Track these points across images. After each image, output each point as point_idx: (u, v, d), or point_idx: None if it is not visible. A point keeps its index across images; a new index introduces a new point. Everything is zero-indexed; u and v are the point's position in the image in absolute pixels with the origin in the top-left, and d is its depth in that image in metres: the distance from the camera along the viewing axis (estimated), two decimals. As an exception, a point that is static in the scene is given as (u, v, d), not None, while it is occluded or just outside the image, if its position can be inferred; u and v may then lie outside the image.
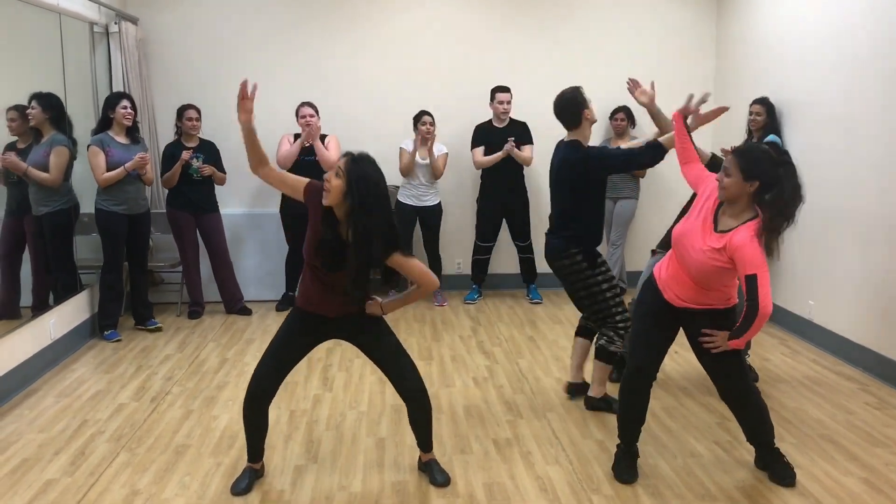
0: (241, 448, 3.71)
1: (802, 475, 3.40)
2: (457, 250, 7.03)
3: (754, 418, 3.35)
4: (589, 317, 4.17)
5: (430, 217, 6.46)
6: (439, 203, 6.51)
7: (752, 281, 3.02)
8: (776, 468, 3.38)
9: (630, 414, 3.42)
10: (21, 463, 3.58)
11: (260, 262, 6.63)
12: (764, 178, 3.03)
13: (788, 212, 3.04)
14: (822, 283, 5.26)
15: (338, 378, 4.74)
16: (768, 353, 5.17)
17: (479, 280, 6.76)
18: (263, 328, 5.87)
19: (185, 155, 5.87)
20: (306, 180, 3.11)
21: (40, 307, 5.01)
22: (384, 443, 3.77)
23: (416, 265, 3.10)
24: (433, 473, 3.37)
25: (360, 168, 2.92)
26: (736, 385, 3.31)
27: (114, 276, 5.56)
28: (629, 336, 3.54)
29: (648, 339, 3.36)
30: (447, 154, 6.40)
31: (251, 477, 3.34)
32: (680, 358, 4.99)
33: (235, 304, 6.30)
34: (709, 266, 3.10)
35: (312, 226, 3.07)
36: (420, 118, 6.19)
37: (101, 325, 5.58)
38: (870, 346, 4.73)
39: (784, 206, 3.02)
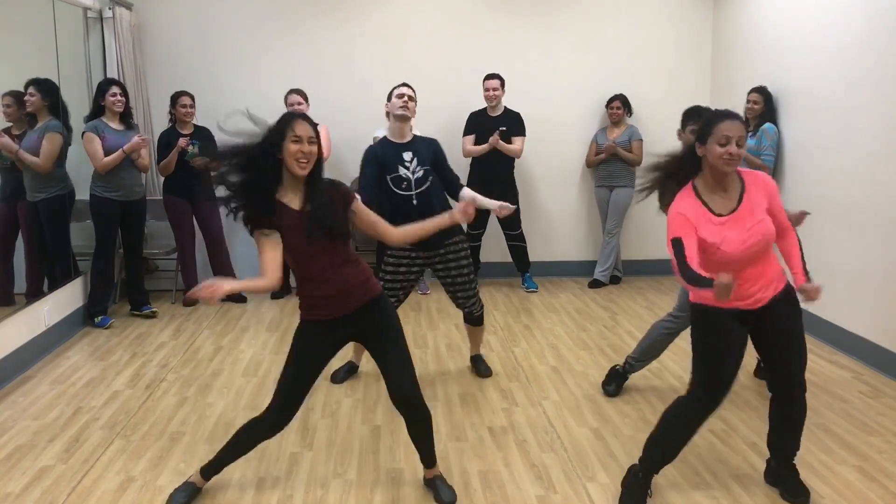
0: (237, 435, 3.71)
1: (797, 463, 3.40)
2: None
3: (800, 428, 3.09)
4: (473, 295, 4.38)
5: None
6: None
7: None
8: (790, 484, 3.11)
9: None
10: (15, 450, 3.57)
11: (254, 250, 6.58)
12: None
13: None
14: (817, 272, 5.25)
15: (333, 366, 4.72)
16: (763, 341, 5.17)
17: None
18: (258, 316, 5.86)
19: (182, 142, 5.86)
20: (274, 256, 2.89)
21: (34, 294, 4.99)
22: (379, 430, 3.77)
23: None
24: (438, 490, 3.12)
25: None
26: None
27: (105, 262, 5.54)
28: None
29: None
30: None
31: (192, 496, 3.10)
32: (678, 349, 4.99)
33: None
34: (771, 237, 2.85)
35: (291, 242, 2.86)
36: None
37: (90, 312, 5.56)
38: (864, 336, 4.73)
39: None
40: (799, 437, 3.09)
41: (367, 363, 4.65)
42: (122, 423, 3.88)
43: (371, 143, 6.02)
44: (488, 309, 6.05)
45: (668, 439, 3.03)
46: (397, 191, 4.14)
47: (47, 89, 5.07)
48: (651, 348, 4.12)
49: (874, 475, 3.31)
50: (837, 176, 5.02)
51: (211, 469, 3.11)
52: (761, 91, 5.59)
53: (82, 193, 5.50)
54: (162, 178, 6.20)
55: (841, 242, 4.98)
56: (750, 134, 5.69)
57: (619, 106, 6.66)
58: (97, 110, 5.42)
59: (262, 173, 2.80)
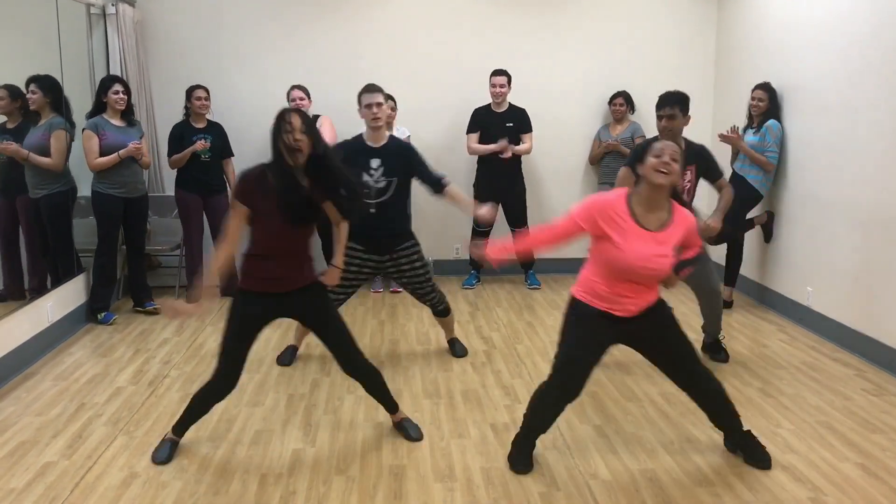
0: (240, 431, 3.72)
1: (800, 461, 3.40)
2: (454, 235, 7.02)
3: (725, 402, 3.35)
4: (430, 292, 4.56)
5: None
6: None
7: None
8: (750, 450, 3.38)
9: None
10: (19, 445, 3.58)
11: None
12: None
13: None
14: (821, 269, 5.25)
15: (335, 362, 4.72)
16: (766, 339, 5.17)
17: (478, 265, 6.75)
18: (261, 312, 5.86)
19: (199, 146, 5.84)
20: (239, 212, 3.22)
21: (38, 290, 5.00)
22: (382, 427, 3.77)
23: None
24: (407, 430, 3.62)
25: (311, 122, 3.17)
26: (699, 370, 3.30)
27: (107, 259, 5.54)
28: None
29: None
30: (409, 137, 6.23)
31: (172, 448, 3.47)
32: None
33: (232, 287, 6.28)
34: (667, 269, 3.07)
35: (262, 210, 3.16)
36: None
37: (92, 308, 5.55)
38: (868, 333, 4.73)
39: None
40: (731, 408, 3.34)
41: (371, 354, 4.65)
42: (126, 419, 3.89)
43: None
44: (491, 306, 6.05)
45: (536, 417, 3.35)
46: None
47: (49, 86, 5.07)
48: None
49: (877, 473, 3.30)
50: (841, 174, 5.00)
51: (180, 427, 3.49)
52: (766, 88, 5.58)
53: (84, 190, 5.51)
54: (169, 173, 6.20)
55: (844, 240, 4.96)
56: (754, 130, 5.68)
57: (622, 103, 6.64)
58: (99, 107, 5.42)
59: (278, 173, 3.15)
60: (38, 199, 5.05)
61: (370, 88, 4.27)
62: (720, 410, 3.36)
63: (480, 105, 6.47)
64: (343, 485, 3.22)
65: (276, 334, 5.28)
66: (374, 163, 4.24)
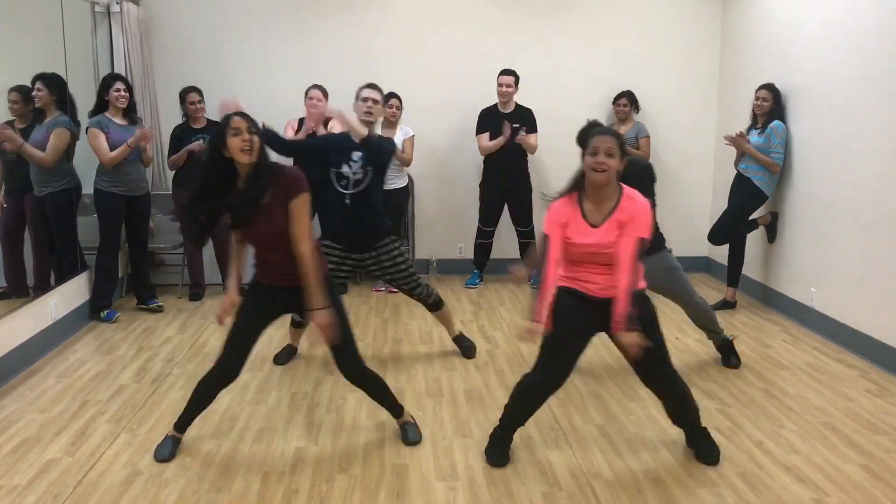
0: (242, 429, 3.72)
1: (803, 462, 3.40)
2: (457, 234, 7.02)
3: (682, 397, 3.38)
4: (416, 287, 4.59)
5: (390, 200, 5.96)
6: (405, 186, 6.38)
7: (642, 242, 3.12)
8: (703, 447, 3.42)
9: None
10: (22, 443, 3.59)
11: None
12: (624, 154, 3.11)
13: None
14: (824, 270, 5.24)
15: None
16: (770, 339, 5.16)
17: (481, 264, 6.74)
18: (264, 311, 5.86)
19: (197, 148, 5.82)
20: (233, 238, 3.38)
21: (41, 287, 5.00)
22: (384, 426, 3.77)
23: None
24: (405, 433, 3.60)
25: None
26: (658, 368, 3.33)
27: (109, 256, 5.55)
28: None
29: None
30: (413, 137, 6.23)
31: (174, 445, 3.48)
32: (681, 344, 4.99)
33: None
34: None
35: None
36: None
37: (95, 306, 5.56)
38: (871, 334, 4.72)
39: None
40: (687, 404, 3.37)
41: (374, 353, 4.65)
42: (129, 416, 3.89)
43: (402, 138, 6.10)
44: (494, 305, 6.04)
45: (516, 408, 3.39)
46: (336, 186, 4.32)
47: (55, 84, 5.08)
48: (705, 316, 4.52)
49: (881, 474, 3.29)
50: (846, 175, 4.99)
51: (182, 422, 3.50)
52: (770, 88, 5.57)
53: (89, 188, 5.51)
54: (170, 172, 6.20)
55: (848, 240, 4.96)
56: (758, 131, 5.67)
57: (626, 103, 6.63)
58: (101, 105, 5.43)
59: (216, 179, 3.16)
60: (43, 196, 5.06)
61: (371, 85, 4.44)
62: (678, 413, 3.42)
63: (487, 106, 6.45)
64: (345, 483, 3.22)
65: (279, 333, 5.29)
66: (356, 155, 4.31)
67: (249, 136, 3.08)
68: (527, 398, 3.36)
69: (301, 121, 5.98)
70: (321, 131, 5.85)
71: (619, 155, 3.06)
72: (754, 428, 3.75)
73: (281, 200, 3.13)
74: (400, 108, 6.19)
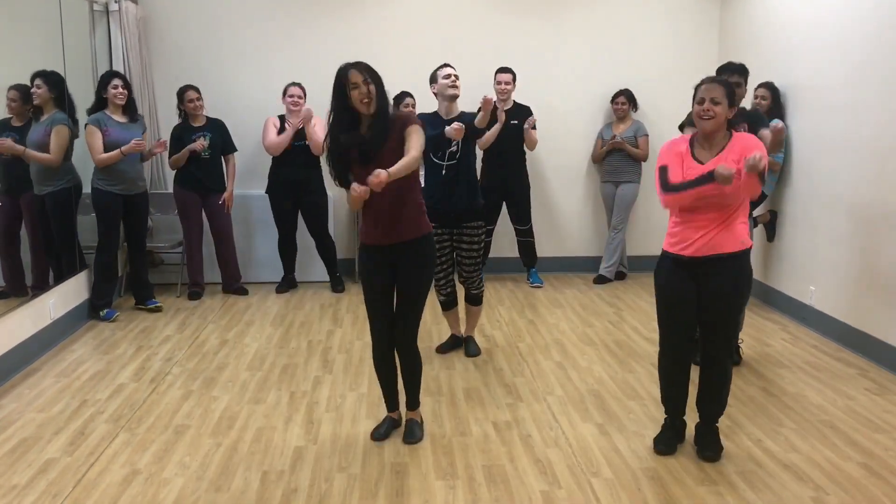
0: (241, 429, 3.72)
1: (802, 460, 3.40)
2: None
3: (720, 390, 3.42)
4: (473, 276, 4.72)
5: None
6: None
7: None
8: (707, 439, 3.44)
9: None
10: (20, 442, 3.58)
11: (259, 244, 6.60)
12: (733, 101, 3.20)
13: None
14: (823, 268, 5.24)
15: (338, 360, 4.74)
16: (769, 338, 5.16)
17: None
18: (263, 310, 5.86)
19: (198, 146, 5.83)
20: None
21: (40, 287, 5.00)
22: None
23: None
24: (410, 430, 3.61)
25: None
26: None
27: (108, 255, 5.54)
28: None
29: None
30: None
31: (389, 425, 3.64)
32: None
33: (232, 284, 6.30)
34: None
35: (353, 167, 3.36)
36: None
37: (95, 306, 5.55)
38: (870, 332, 4.72)
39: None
40: (724, 383, 3.39)
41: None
42: (127, 416, 3.89)
43: None
44: (493, 304, 6.04)
45: (666, 391, 3.50)
46: (434, 158, 4.54)
47: (54, 82, 5.07)
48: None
49: (880, 472, 3.29)
50: (844, 173, 4.99)
51: (390, 403, 3.68)
52: (769, 86, 5.56)
53: (89, 187, 5.50)
54: (171, 171, 6.20)
55: (848, 239, 4.95)
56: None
57: (625, 101, 6.63)
58: (100, 102, 5.42)
59: (343, 127, 3.38)
60: (43, 195, 5.05)
61: (448, 64, 4.80)
62: (712, 392, 3.42)
63: (483, 104, 6.44)
64: (345, 482, 3.22)
65: (277, 332, 5.29)
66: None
67: (367, 88, 3.31)
68: (664, 374, 3.46)
69: (281, 117, 6.05)
70: (310, 130, 5.93)
71: (728, 103, 3.16)
72: (753, 426, 3.75)
73: (397, 139, 3.30)
74: (415, 107, 6.19)
